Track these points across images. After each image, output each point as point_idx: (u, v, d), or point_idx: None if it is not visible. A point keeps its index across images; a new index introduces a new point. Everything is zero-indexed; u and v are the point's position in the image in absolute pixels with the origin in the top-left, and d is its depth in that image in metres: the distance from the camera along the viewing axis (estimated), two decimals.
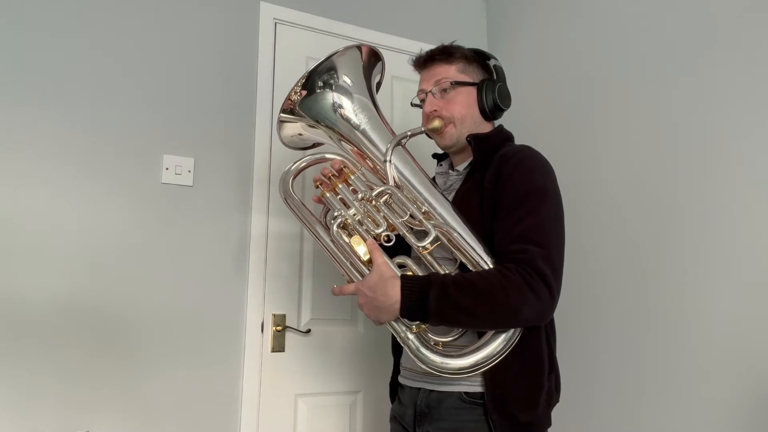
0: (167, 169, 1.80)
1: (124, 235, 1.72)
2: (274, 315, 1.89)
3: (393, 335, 1.26)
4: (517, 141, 1.37)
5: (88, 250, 1.67)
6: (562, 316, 1.33)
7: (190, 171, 1.83)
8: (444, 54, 1.35)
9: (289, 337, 1.91)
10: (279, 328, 1.88)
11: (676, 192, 1.59)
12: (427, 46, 1.55)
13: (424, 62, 1.37)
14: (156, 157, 1.80)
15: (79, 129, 1.71)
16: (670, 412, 1.55)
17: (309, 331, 1.92)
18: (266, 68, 1.99)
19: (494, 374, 1.14)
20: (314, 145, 1.46)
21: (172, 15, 1.88)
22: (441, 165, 1.44)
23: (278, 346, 1.88)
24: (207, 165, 1.86)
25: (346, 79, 1.30)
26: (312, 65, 1.30)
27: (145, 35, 1.83)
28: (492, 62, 1.37)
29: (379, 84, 1.42)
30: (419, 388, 1.26)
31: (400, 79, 2.14)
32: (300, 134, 1.38)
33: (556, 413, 1.24)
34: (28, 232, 1.61)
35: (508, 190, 1.17)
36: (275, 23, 2.03)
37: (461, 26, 2.39)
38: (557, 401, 1.23)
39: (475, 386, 1.17)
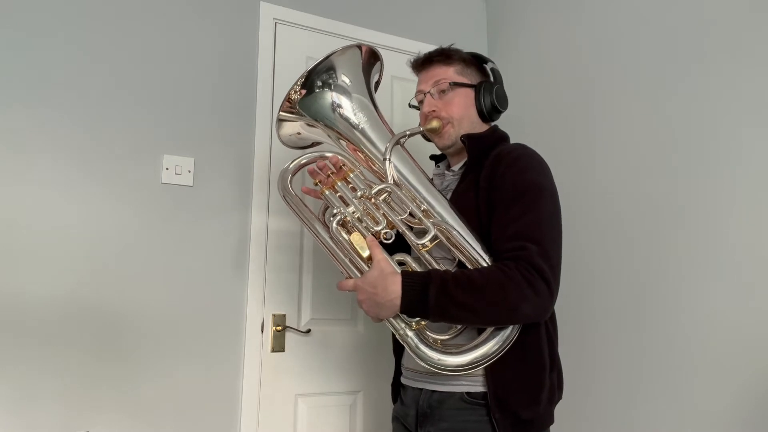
0: (167, 169, 1.80)
1: (124, 235, 1.72)
2: (274, 315, 1.89)
3: (393, 336, 1.26)
4: (516, 141, 1.37)
5: (88, 250, 1.67)
6: (562, 313, 1.33)
7: (190, 171, 1.83)
8: (442, 56, 1.36)
9: (289, 337, 1.91)
10: (279, 328, 1.88)
11: (675, 191, 1.59)
12: (426, 46, 1.55)
13: (422, 64, 1.38)
14: (156, 157, 1.80)
15: (79, 129, 1.71)
16: (671, 408, 1.55)
17: (309, 331, 1.92)
18: (266, 68, 1.99)
19: (496, 373, 1.14)
20: (313, 144, 1.46)
21: (172, 15, 1.88)
22: (438, 167, 1.45)
23: (278, 346, 1.88)
24: (207, 165, 1.87)
25: (344, 79, 1.31)
26: (311, 65, 1.30)
27: (145, 35, 1.83)
28: (489, 65, 1.39)
29: (377, 84, 1.42)
30: (421, 389, 1.25)
31: (400, 79, 2.14)
32: (299, 133, 1.39)
33: (558, 410, 1.24)
34: (28, 232, 1.61)
35: (503, 188, 1.17)
36: (275, 23, 2.03)
37: (461, 26, 2.39)
38: (560, 398, 1.23)
39: (477, 386, 1.17)
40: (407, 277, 1.12)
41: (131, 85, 1.79)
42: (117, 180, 1.74)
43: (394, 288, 1.10)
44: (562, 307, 1.20)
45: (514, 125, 1.42)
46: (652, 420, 1.59)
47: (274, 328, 1.88)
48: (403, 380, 1.36)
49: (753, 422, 1.35)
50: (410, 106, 1.44)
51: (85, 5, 1.76)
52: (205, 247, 1.83)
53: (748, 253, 1.40)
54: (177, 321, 1.76)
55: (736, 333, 1.41)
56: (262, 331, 1.87)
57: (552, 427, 1.23)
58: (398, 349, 1.42)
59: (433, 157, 1.49)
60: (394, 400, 1.42)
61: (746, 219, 1.41)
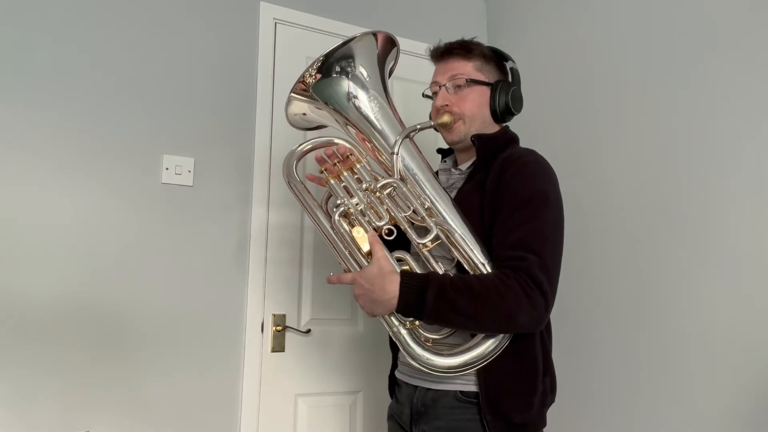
0: (167, 169, 1.80)
1: (124, 235, 1.72)
2: (274, 315, 1.89)
3: None
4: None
5: (88, 250, 1.67)
6: (559, 316, 1.33)
7: (190, 171, 1.83)
8: (463, 49, 1.33)
9: (289, 337, 1.91)
10: (279, 328, 1.88)
11: (676, 193, 1.59)
12: (426, 47, 1.54)
13: (441, 54, 1.36)
14: (156, 157, 1.80)
15: (79, 129, 1.70)
16: (666, 412, 1.55)
17: (309, 331, 1.92)
18: (266, 68, 1.99)
19: (489, 375, 1.15)
20: (318, 127, 1.44)
21: (172, 15, 1.88)
22: (445, 161, 1.44)
23: (278, 346, 1.88)
24: (207, 165, 1.87)
25: (362, 69, 1.28)
26: (327, 50, 1.27)
27: (145, 35, 1.83)
28: (509, 64, 1.37)
29: (391, 71, 1.39)
30: (416, 387, 1.26)
31: (400, 79, 2.13)
32: (304, 114, 1.36)
33: (552, 413, 1.24)
34: (28, 232, 1.61)
35: (509, 193, 1.17)
36: (275, 23, 2.03)
37: (461, 26, 2.38)
38: (552, 402, 1.23)
39: (470, 385, 1.18)
40: (406, 278, 1.12)
41: (131, 85, 1.79)
42: (117, 180, 1.73)
43: (392, 288, 1.11)
44: (561, 307, 1.20)
45: (514, 125, 1.41)
46: (652, 419, 1.59)
47: (274, 328, 1.88)
48: (398, 374, 1.36)
49: (753, 422, 1.35)
50: (424, 95, 1.42)
51: (85, 5, 1.76)
52: (205, 247, 1.83)
53: (749, 253, 1.40)
54: (177, 321, 1.76)
55: (734, 335, 1.41)
56: (262, 331, 1.87)
57: (549, 429, 1.23)
58: (394, 343, 1.41)
59: (440, 151, 1.47)
60: (391, 392, 1.42)
61: (747, 219, 1.41)
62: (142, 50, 1.82)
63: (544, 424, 1.21)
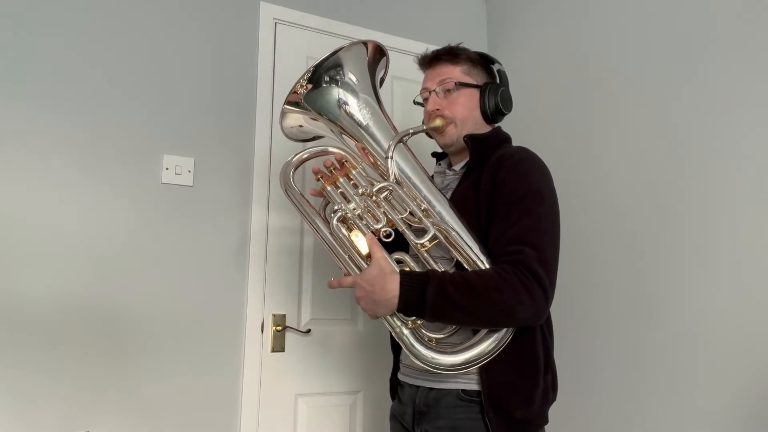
0: (167, 169, 1.80)
1: (124, 235, 1.72)
2: (274, 315, 1.89)
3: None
4: (516, 142, 1.38)
5: (88, 250, 1.67)
6: (560, 314, 1.33)
7: (190, 171, 1.83)
8: (450, 54, 1.37)
9: (289, 337, 1.91)
10: (279, 328, 1.88)
11: (676, 192, 1.59)
12: (426, 46, 1.55)
13: (429, 61, 1.39)
14: (156, 157, 1.80)
15: (80, 129, 1.71)
16: (668, 410, 1.55)
17: (309, 331, 1.92)
18: (266, 68, 1.99)
19: (490, 372, 1.15)
20: (314, 138, 1.46)
21: (172, 15, 1.88)
22: (440, 164, 1.46)
23: (278, 346, 1.88)
24: (207, 165, 1.87)
25: (351, 76, 1.31)
26: (318, 59, 1.29)
27: (145, 35, 1.83)
28: (496, 66, 1.39)
29: (382, 80, 1.42)
30: (418, 387, 1.26)
31: (401, 79, 2.14)
32: (300, 126, 1.39)
33: (553, 411, 1.25)
34: (28, 232, 1.61)
35: (504, 191, 1.18)
36: (275, 23, 2.03)
37: (461, 26, 2.39)
38: (554, 399, 1.24)
39: (472, 384, 1.18)
40: (405, 277, 1.13)
41: (131, 85, 1.79)
42: (117, 180, 1.74)
43: (392, 287, 1.12)
44: (562, 306, 1.20)
45: (513, 125, 1.42)
46: (653, 418, 1.59)
47: (274, 328, 1.88)
48: (400, 376, 1.37)
49: (754, 421, 1.35)
50: (415, 102, 1.45)
51: (85, 6, 1.76)
52: (205, 247, 1.83)
53: (750, 252, 1.40)
54: (177, 321, 1.76)
55: (735, 334, 1.41)
56: (262, 331, 1.87)
57: (550, 427, 1.23)
58: (396, 344, 1.42)
59: (434, 155, 1.49)
60: (393, 395, 1.42)
61: (748, 219, 1.41)
62: (142, 50, 1.82)
63: (545, 421, 1.22)
